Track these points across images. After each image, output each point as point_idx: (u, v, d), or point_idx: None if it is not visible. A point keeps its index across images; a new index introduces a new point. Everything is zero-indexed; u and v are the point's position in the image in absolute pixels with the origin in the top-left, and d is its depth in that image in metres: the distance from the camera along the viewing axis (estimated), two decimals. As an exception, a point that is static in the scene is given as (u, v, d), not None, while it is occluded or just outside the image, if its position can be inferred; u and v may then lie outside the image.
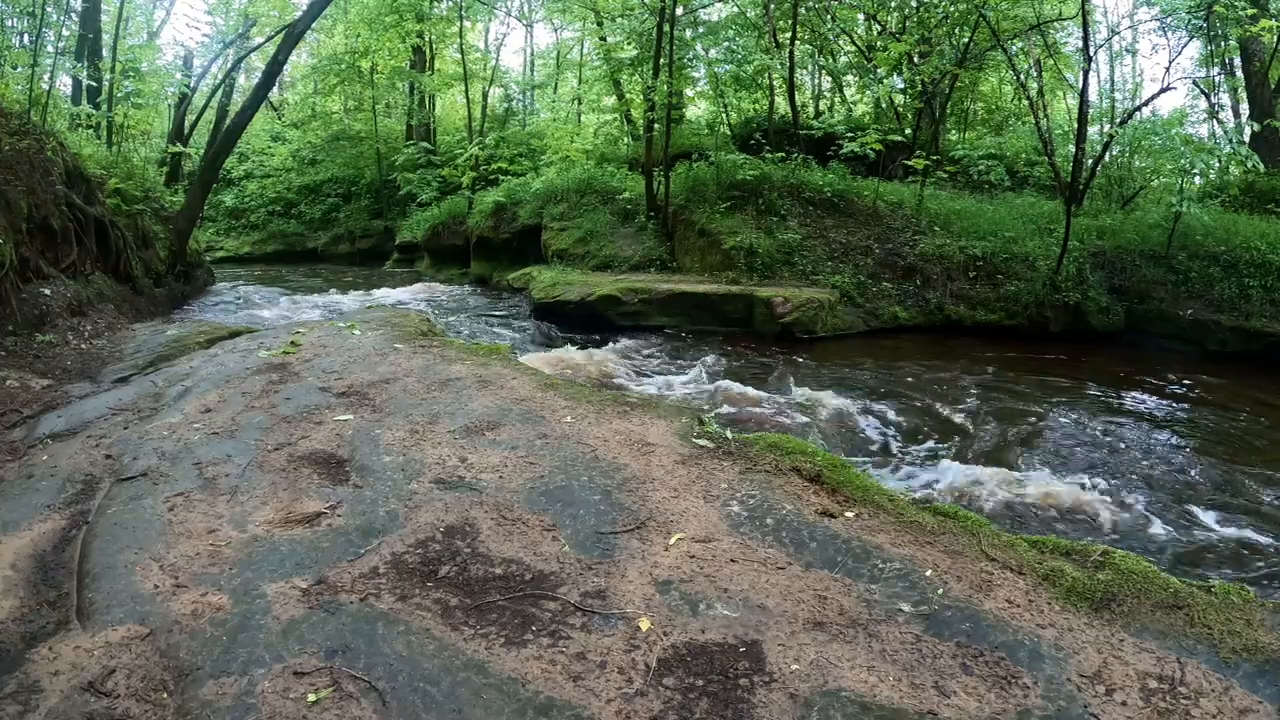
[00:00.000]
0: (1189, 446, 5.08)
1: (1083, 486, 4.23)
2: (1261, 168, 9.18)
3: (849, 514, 2.83)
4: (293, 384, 4.39)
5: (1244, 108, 13.61)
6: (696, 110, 18.47)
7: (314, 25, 14.03)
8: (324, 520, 2.72)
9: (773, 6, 13.17)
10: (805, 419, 5.30)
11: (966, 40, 11.62)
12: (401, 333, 5.92)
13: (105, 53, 13.28)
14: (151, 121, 16.96)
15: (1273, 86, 11.57)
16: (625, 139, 17.34)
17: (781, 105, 13.11)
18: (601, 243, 11.04)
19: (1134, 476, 4.50)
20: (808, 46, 14.21)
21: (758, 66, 12.13)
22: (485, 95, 20.21)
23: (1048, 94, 13.39)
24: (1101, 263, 9.12)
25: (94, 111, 11.24)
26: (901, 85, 13.88)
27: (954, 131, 15.37)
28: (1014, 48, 11.14)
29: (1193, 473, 4.60)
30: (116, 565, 2.42)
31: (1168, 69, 20.53)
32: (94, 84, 12.22)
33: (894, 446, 4.94)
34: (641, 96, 13.13)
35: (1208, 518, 3.96)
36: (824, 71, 16.69)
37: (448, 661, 1.98)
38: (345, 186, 20.98)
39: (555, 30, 23.91)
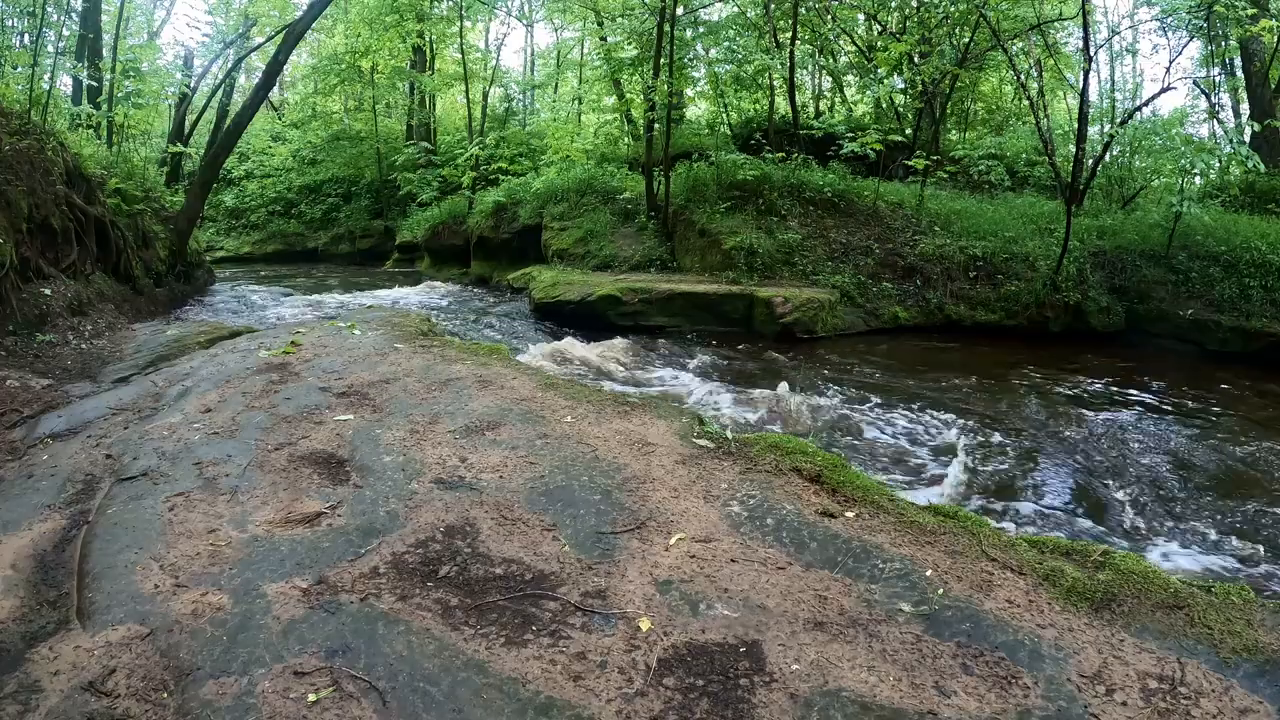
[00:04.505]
0: (1188, 445, 5.07)
1: (1085, 484, 4.23)
2: (1262, 168, 9.16)
3: (849, 514, 2.83)
4: (293, 384, 4.39)
5: (1244, 108, 13.61)
6: (696, 110, 18.46)
7: (314, 25, 14.03)
8: (324, 520, 2.72)
9: (773, 6, 13.17)
10: (805, 418, 5.30)
11: (967, 40, 11.62)
12: (401, 333, 5.92)
13: (105, 53, 13.25)
14: (152, 121, 16.93)
15: (1273, 86, 11.57)
16: (625, 139, 17.34)
17: (781, 105, 13.11)
18: (601, 242, 11.04)
19: (1135, 473, 4.50)
20: (808, 46, 14.20)
21: (758, 66, 12.12)
22: (485, 95, 20.20)
23: (1048, 94, 13.40)
24: (1102, 263, 9.12)
25: (94, 111, 11.21)
26: (901, 85, 13.89)
27: (954, 131, 15.36)
28: (1014, 48, 11.13)
29: (1191, 470, 4.60)
30: (117, 565, 2.42)
31: (1168, 69, 20.53)
32: (94, 84, 12.19)
33: (894, 445, 4.94)
34: (641, 96, 13.13)
35: (1208, 518, 3.96)
36: (824, 71, 16.69)
37: (448, 661, 1.98)
38: (345, 186, 20.97)
39: (555, 30, 23.92)
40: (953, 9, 11.36)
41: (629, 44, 15.56)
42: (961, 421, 5.35)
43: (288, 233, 20.36)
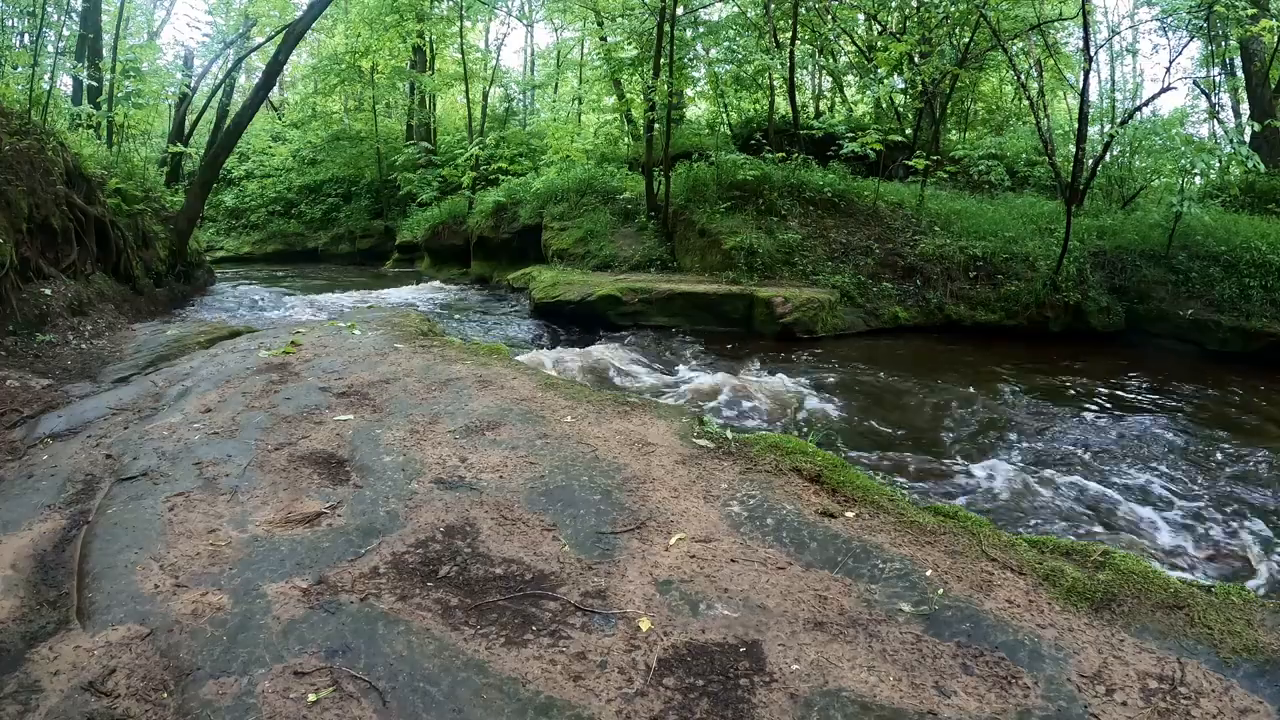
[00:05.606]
0: (1186, 444, 5.07)
1: (1086, 485, 4.23)
2: (1262, 168, 9.16)
3: (849, 514, 2.83)
4: (293, 384, 4.39)
5: (1244, 108, 13.62)
6: (696, 110, 18.47)
7: (314, 25, 14.03)
8: (324, 520, 2.72)
9: (773, 6, 13.17)
10: (804, 418, 5.30)
11: (967, 40, 11.62)
12: (401, 333, 5.92)
13: (105, 53, 13.25)
14: (152, 121, 16.92)
15: (1273, 86, 11.57)
16: (625, 139, 17.34)
17: (781, 105, 13.11)
18: (601, 242, 11.04)
19: (1135, 473, 4.50)
20: (808, 46, 14.20)
21: (758, 66, 12.12)
22: (485, 95, 20.20)
23: (1048, 94, 13.40)
24: (1102, 263, 9.12)
25: (94, 111, 11.20)
26: (902, 85, 13.89)
27: (954, 131, 15.36)
28: (1014, 48, 11.13)
29: (1188, 469, 4.60)
30: (117, 565, 2.42)
31: (1168, 69, 20.52)
32: (94, 84, 12.19)
33: (895, 445, 4.94)
34: (641, 96, 13.13)
35: (1207, 517, 3.96)
36: (824, 71, 16.69)
37: (448, 661, 1.98)
38: (345, 186, 20.98)
39: (555, 30, 23.93)
40: (953, 9, 11.36)
41: (629, 44, 15.56)
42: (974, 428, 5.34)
43: (288, 233, 20.37)
